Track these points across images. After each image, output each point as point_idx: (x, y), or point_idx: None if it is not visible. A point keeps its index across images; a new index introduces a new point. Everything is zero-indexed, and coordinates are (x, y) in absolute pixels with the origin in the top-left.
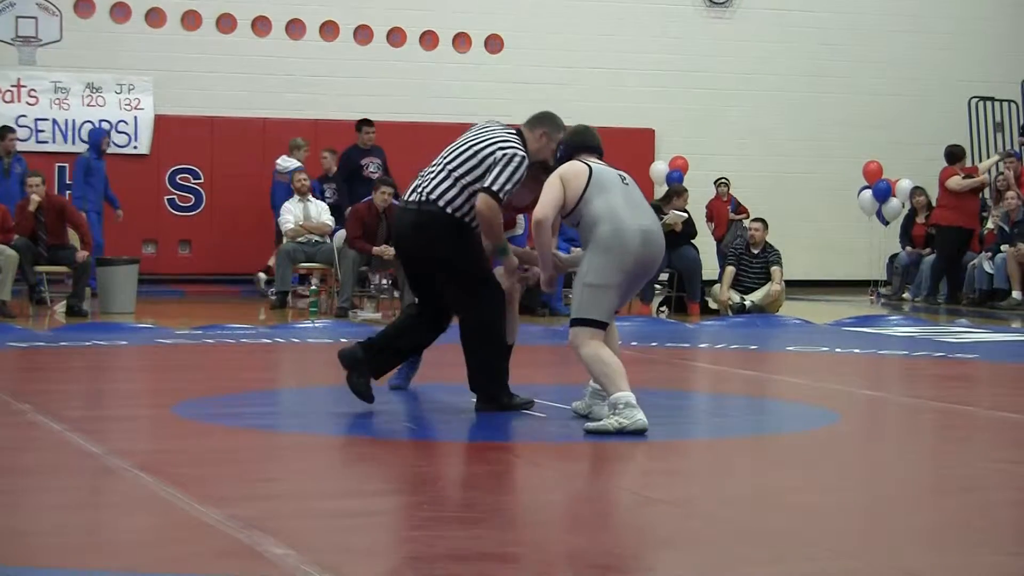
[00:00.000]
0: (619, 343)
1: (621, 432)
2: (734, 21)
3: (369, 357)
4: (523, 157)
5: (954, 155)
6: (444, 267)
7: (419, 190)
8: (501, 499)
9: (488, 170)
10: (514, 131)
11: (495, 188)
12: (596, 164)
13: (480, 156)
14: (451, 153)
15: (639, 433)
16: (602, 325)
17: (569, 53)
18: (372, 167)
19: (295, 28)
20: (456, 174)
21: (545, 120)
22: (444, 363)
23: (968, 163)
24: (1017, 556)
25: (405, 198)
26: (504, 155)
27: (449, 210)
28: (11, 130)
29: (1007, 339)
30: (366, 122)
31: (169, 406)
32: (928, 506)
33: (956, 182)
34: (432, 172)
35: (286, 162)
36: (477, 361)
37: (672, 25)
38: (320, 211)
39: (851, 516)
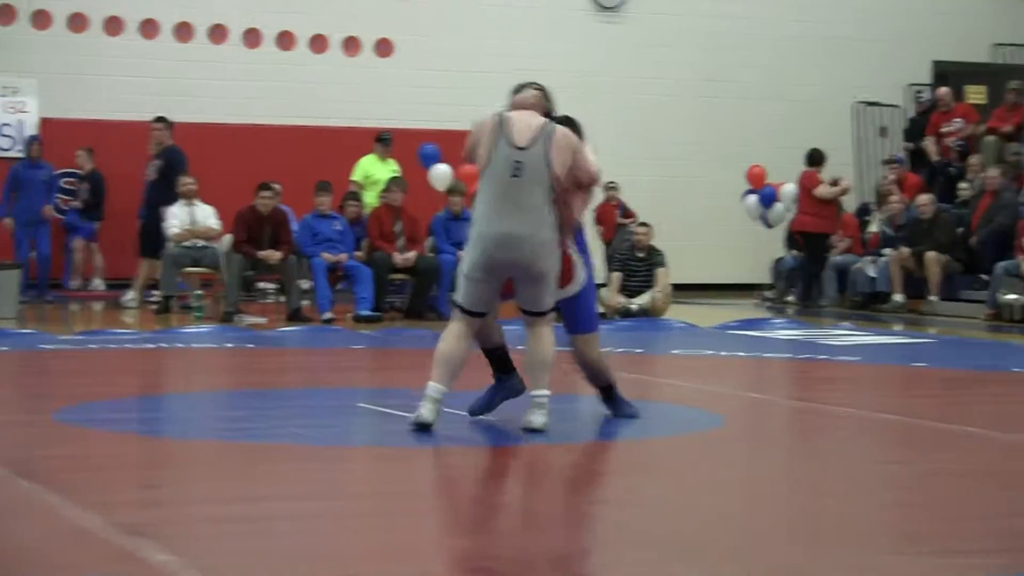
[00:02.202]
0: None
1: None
2: (624, 26)
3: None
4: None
5: (814, 158)
6: None
7: None
8: (383, 503)
9: None
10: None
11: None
12: (504, 142)
13: None
14: None
15: (421, 428)
16: (468, 312)
17: (459, 57)
18: (151, 169)
19: (184, 31)
20: None
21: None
22: (338, 368)
23: (862, 167)
24: (899, 556)
25: None
26: None
27: None
28: None
29: (889, 342)
30: (155, 119)
31: (50, 412)
32: (810, 507)
33: (825, 190)
34: None
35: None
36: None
37: (562, 29)
38: (206, 215)
39: (733, 517)
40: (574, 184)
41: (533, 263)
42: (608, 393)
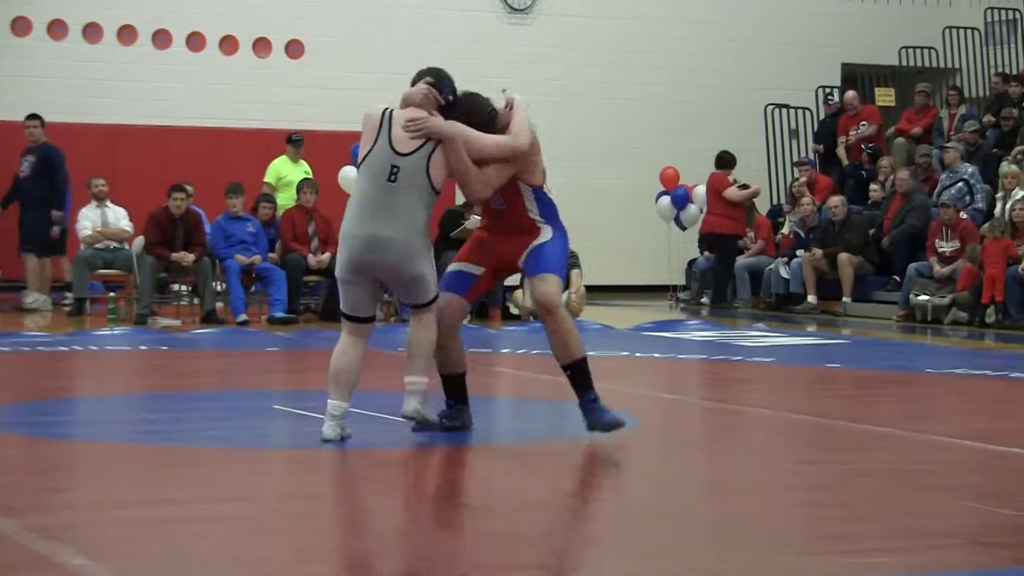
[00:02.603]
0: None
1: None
2: (534, 28)
3: None
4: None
5: (724, 161)
6: None
7: None
8: (298, 505)
9: None
10: None
11: None
12: (386, 142)
13: None
14: None
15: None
16: (352, 319)
17: (370, 58)
18: (24, 165)
19: (93, 32)
20: None
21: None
22: (253, 370)
23: (767, 168)
24: (810, 556)
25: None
26: None
27: None
28: None
29: (803, 343)
30: (28, 116)
31: None
32: (725, 507)
33: (733, 193)
34: None
35: None
36: None
37: (473, 31)
38: (118, 217)
39: (650, 518)
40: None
41: (402, 267)
42: (578, 367)
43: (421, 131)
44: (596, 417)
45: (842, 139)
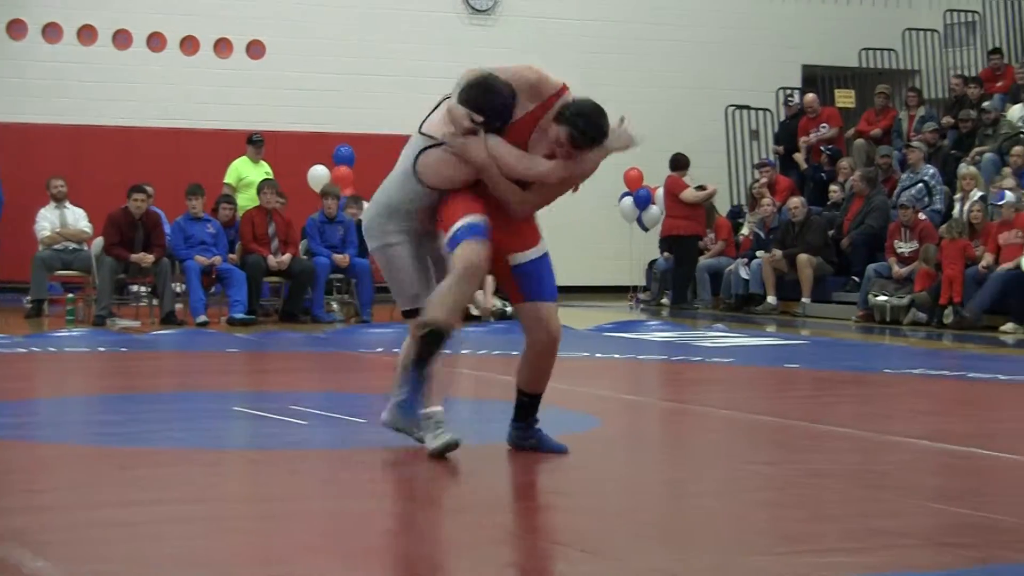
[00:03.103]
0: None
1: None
2: (496, 28)
3: None
4: None
5: (679, 163)
6: None
7: None
8: (259, 507)
9: None
10: None
11: None
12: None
13: None
14: None
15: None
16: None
17: (333, 59)
18: None
19: (52, 32)
20: None
21: None
22: (213, 371)
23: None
24: (771, 556)
25: None
26: None
27: None
28: None
29: (762, 343)
30: None
31: None
32: (685, 507)
33: (691, 195)
34: None
35: None
36: None
37: (436, 32)
38: (77, 218)
39: (610, 517)
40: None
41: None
42: (538, 399)
43: (453, 150)
44: (547, 442)
45: (804, 139)
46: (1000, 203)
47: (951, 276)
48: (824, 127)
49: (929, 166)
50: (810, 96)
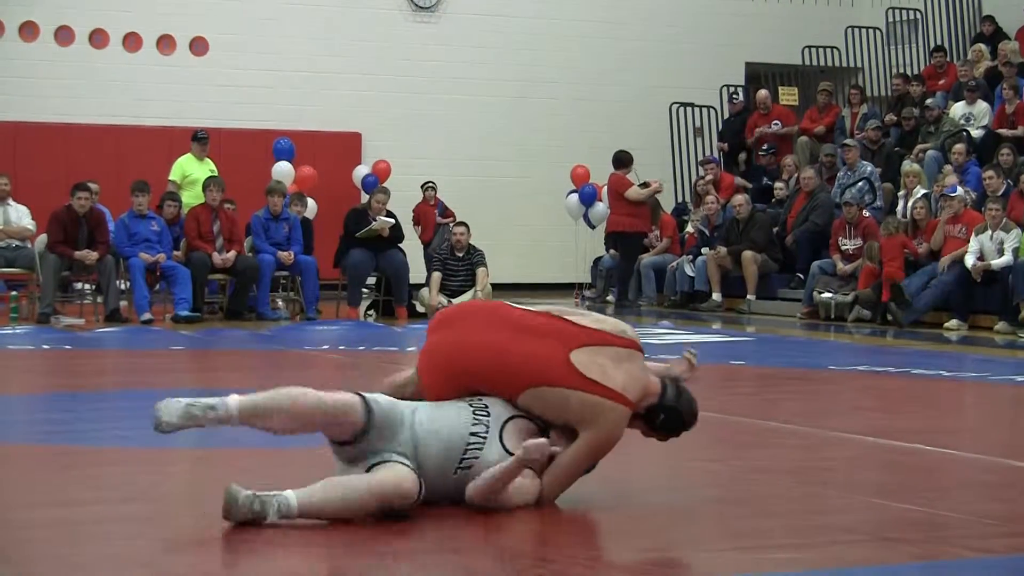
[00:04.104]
0: None
1: None
2: (440, 25)
3: None
4: None
5: (621, 161)
6: None
7: None
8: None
9: None
10: None
11: None
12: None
13: None
14: None
15: None
16: None
17: (276, 56)
18: None
19: None
20: None
21: None
22: (158, 369)
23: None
24: (716, 552)
25: None
26: None
27: None
28: None
29: (708, 340)
30: None
31: None
32: (631, 504)
33: (635, 192)
34: None
35: None
36: None
37: (379, 28)
38: (20, 215)
39: (555, 515)
40: None
41: None
42: None
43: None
44: None
45: (758, 130)
46: (953, 195)
47: (891, 273)
48: (777, 124)
49: (868, 163)
50: (762, 92)
